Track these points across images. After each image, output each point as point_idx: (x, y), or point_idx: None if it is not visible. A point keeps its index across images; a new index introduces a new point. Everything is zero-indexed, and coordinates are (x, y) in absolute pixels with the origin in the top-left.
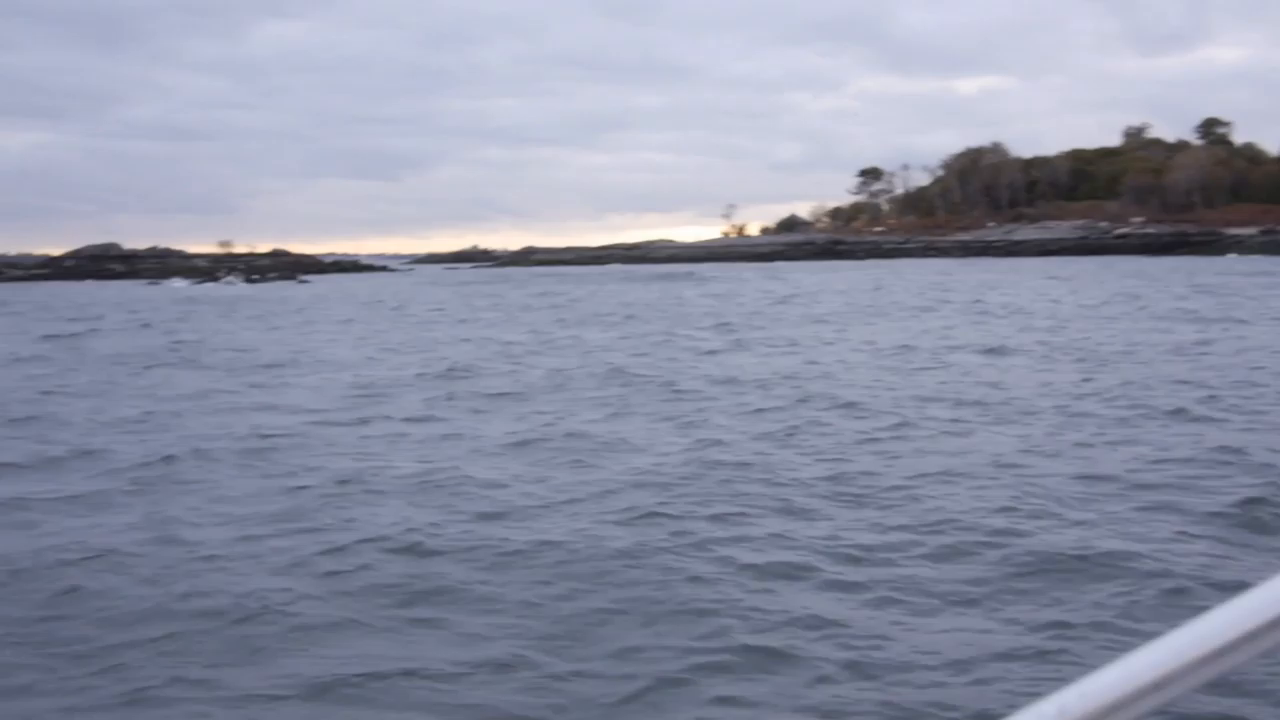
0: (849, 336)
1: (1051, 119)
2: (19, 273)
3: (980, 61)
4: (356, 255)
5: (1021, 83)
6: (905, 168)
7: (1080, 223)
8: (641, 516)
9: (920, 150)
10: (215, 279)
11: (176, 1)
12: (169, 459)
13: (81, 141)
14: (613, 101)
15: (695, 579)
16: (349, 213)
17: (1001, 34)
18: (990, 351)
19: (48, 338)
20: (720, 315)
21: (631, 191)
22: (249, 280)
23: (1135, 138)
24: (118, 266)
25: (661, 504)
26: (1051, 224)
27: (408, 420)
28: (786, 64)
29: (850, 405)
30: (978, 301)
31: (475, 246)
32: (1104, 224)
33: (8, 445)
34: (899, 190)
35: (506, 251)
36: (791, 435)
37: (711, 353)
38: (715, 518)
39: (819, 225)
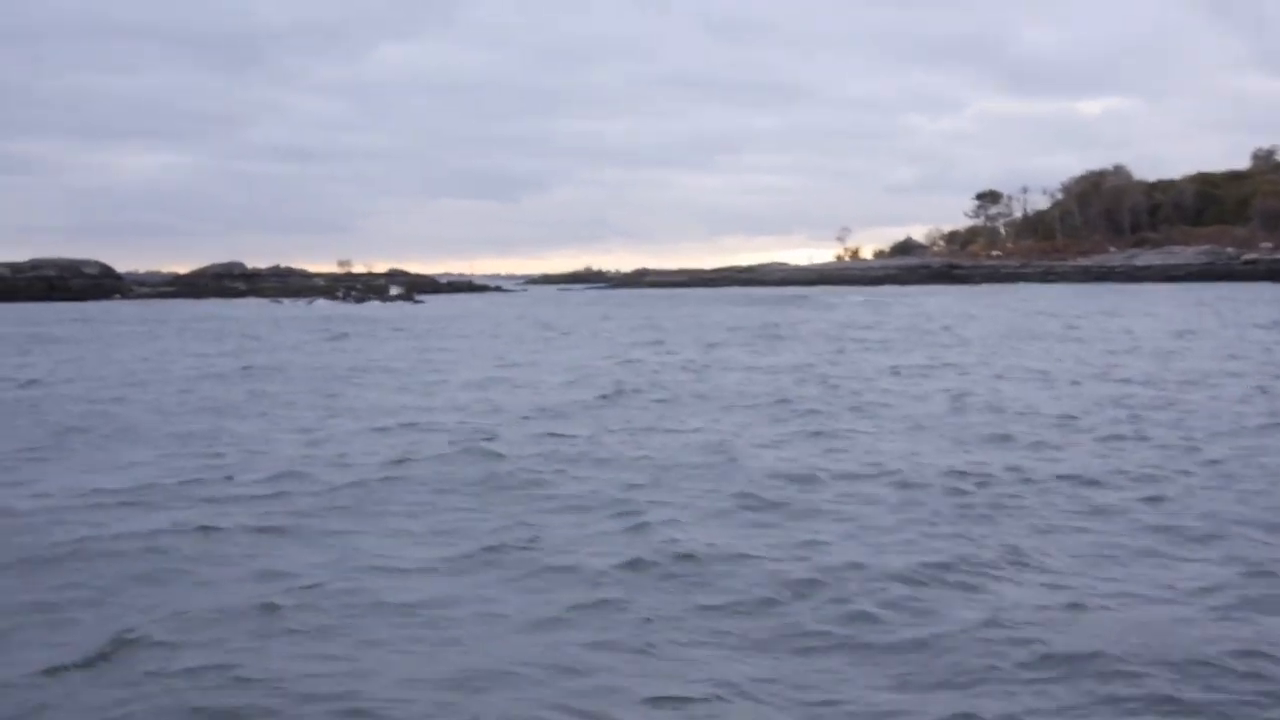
0: (1018, 365)
1: (1176, 141)
2: (147, 290)
3: (1103, 82)
4: (470, 275)
5: (1146, 104)
6: (1024, 191)
7: (1205, 248)
8: (916, 547)
9: (1039, 173)
10: (335, 298)
11: (300, 25)
12: (358, 483)
13: (207, 162)
14: (726, 122)
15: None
16: (463, 232)
17: (1125, 55)
18: (1168, 383)
19: (199, 356)
20: (862, 340)
21: (744, 213)
22: (362, 300)
23: (1265, 160)
24: (240, 285)
25: (934, 538)
26: (1176, 249)
27: (604, 442)
28: (903, 85)
29: (1054, 443)
30: (1128, 331)
31: (588, 268)
32: (1231, 249)
33: (210, 468)
34: (1017, 214)
35: (619, 273)
36: (1015, 471)
37: (870, 380)
38: (982, 565)
39: (934, 249)
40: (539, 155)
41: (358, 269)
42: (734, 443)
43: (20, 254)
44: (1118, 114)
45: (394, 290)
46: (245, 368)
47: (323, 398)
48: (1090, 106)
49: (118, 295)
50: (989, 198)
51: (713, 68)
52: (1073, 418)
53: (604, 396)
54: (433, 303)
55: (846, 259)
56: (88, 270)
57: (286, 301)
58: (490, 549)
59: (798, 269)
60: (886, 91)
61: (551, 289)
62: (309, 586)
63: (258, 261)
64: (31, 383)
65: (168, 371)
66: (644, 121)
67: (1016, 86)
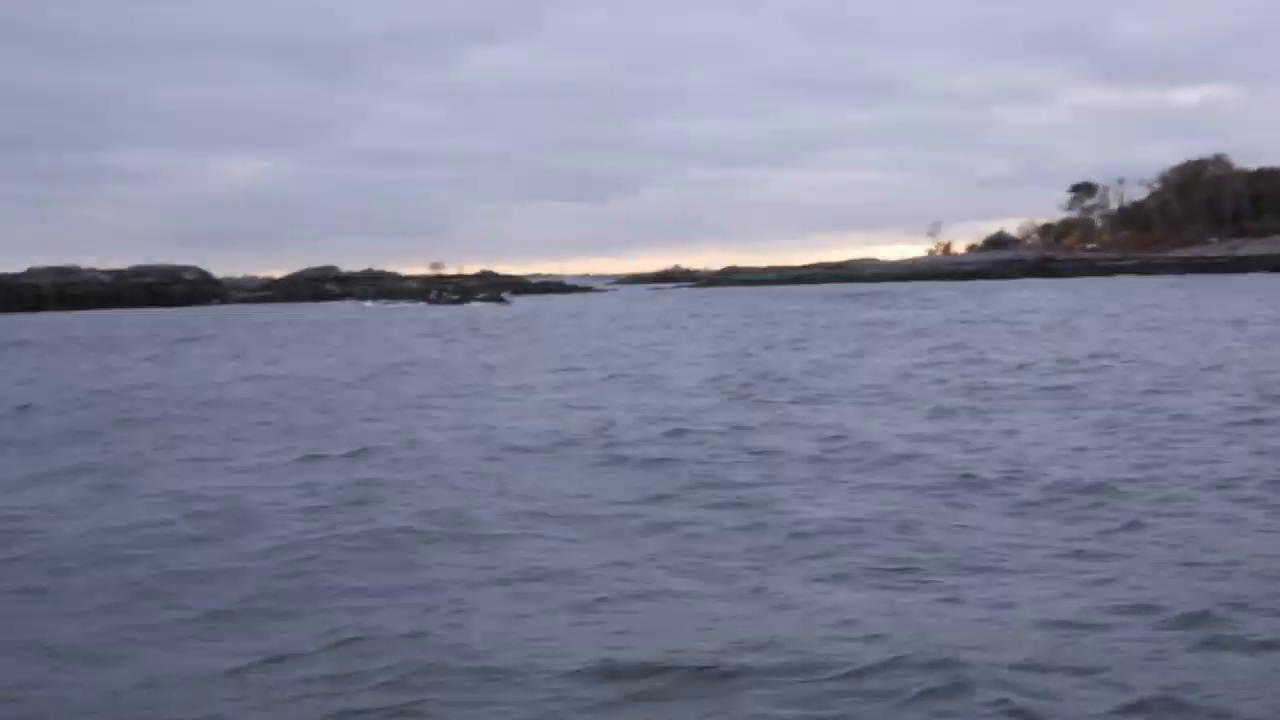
0: (1145, 359)
1: (1278, 129)
2: (244, 294)
3: (1201, 71)
4: (561, 276)
5: (1246, 92)
6: (1120, 182)
7: None
8: None
9: (1136, 164)
10: (428, 300)
11: (393, 32)
12: (505, 493)
13: (302, 168)
14: (817, 119)
15: None
16: (554, 234)
17: (1224, 42)
18: None
19: (317, 358)
20: (980, 336)
21: (835, 210)
22: (459, 301)
23: None
24: (334, 288)
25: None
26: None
27: (757, 440)
28: (996, 77)
29: None
30: (1244, 321)
31: (678, 267)
32: None
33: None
34: (1113, 206)
35: (709, 271)
36: None
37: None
38: None
39: (1028, 242)
40: (630, 156)
41: (449, 271)
42: (884, 441)
43: (123, 261)
44: (1216, 103)
45: (484, 292)
46: (357, 372)
47: (450, 399)
48: (1187, 96)
49: (216, 300)
50: (1084, 190)
51: (804, 65)
52: (1222, 414)
53: (736, 396)
54: (527, 303)
55: (939, 254)
56: (187, 276)
57: (380, 304)
58: (657, 548)
59: (890, 264)
60: (979, 85)
61: (642, 288)
62: (470, 590)
63: (351, 265)
64: (151, 385)
65: (290, 374)
66: (736, 120)
67: (1111, 77)
